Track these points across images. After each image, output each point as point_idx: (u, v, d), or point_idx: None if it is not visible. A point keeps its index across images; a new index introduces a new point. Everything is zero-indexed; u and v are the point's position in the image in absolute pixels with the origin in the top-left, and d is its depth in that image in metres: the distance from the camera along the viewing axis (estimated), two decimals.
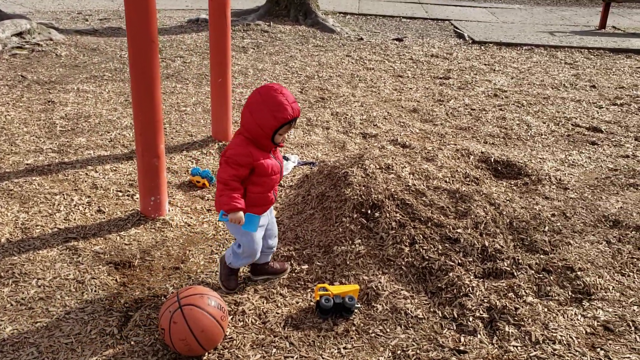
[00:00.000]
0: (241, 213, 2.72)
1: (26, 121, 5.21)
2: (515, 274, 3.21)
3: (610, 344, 2.81)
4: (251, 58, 8.22)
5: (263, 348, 2.70)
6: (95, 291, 3.02)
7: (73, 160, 4.49)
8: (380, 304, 3.00)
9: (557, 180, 4.55)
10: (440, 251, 3.28)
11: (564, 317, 2.96)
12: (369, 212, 3.47)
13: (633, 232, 3.75)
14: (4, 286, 3.00)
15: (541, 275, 3.23)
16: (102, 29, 9.69)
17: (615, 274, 3.35)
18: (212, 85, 4.89)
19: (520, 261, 3.28)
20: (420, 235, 3.33)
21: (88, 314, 2.85)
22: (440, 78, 7.76)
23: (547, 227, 3.69)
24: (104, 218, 3.72)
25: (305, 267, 3.27)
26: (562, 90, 7.35)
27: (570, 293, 3.14)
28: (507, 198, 4.04)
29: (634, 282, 3.29)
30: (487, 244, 3.35)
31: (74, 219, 3.67)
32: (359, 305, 2.99)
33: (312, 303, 3.01)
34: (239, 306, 2.97)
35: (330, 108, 6.21)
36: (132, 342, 2.68)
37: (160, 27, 10.28)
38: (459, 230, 3.40)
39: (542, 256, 3.37)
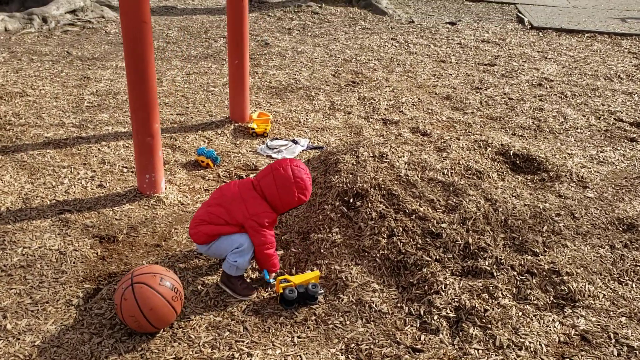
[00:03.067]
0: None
1: (58, 96, 5.46)
2: (495, 274, 3.06)
3: (582, 355, 2.64)
4: (294, 40, 8.20)
5: (217, 330, 2.73)
6: (74, 263, 3.14)
7: (90, 136, 4.67)
8: (346, 295, 2.95)
9: (578, 178, 4.28)
10: (419, 245, 3.17)
11: (539, 323, 2.81)
12: (351, 200, 3.40)
13: None
14: None
15: (524, 277, 3.06)
16: (158, 7, 9.95)
17: (611, 282, 3.13)
18: (230, 66, 4.93)
19: (502, 261, 3.12)
20: (400, 228, 3.23)
21: (61, 284, 2.97)
22: (485, 64, 7.45)
23: (545, 227, 3.49)
24: (103, 193, 3.85)
25: (280, 252, 3.25)
26: (616, 82, 6.88)
27: (552, 298, 2.97)
28: (513, 194, 3.85)
29: (630, 292, 3.07)
30: (470, 240, 3.21)
31: (74, 192, 3.82)
32: (323, 292, 2.95)
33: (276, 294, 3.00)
34: (205, 287, 3.00)
35: (358, 92, 6.11)
36: (93, 314, 2.77)
37: (215, 6, 10.44)
38: (443, 225, 3.27)
39: (529, 257, 3.19)
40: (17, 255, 3.16)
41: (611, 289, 3.08)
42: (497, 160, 4.40)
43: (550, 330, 2.77)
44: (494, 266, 3.10)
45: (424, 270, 3.04)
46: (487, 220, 3.41)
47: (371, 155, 3.72)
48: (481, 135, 4.95)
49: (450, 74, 6.97)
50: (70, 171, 4.08)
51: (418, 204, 3.43)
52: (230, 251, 2.89)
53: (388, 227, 3.24)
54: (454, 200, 3.49)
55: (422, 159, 3.83)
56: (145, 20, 3.35)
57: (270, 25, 9.01)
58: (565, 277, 3.05)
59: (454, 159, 4.04)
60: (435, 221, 3.30)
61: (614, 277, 3.17)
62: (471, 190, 3.58)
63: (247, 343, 2.65)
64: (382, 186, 3.46)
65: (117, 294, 2.61)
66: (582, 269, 3.17)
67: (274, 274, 3.02)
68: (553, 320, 2.84)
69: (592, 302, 2.96)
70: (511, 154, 4.48)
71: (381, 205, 3.36)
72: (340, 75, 6.70)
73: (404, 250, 3.14)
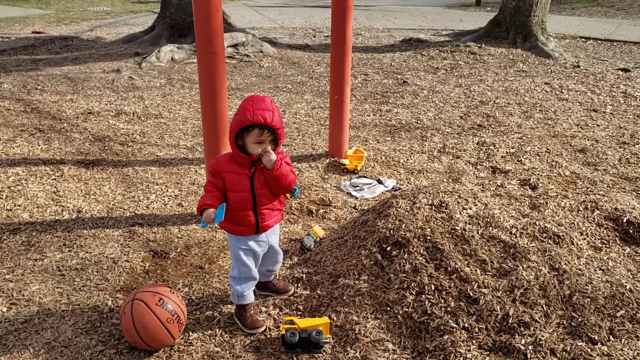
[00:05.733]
0: (210, 210, 2.61)
1: (187, 120, 5.96)
2: (528, 356, 2.62)
3: None
4: (436, 80, 7.99)
5: None
6: (119, 273, 3.37)
7: (195, 158, 5.01)
8: (354, 350, 2.74)
9: None
10: (449, 309, 2.84)
11: None
12: (389, 248, 3.17)
13: None
14: (60, 252, 3.54)
15: None
16: (315, 44, 10.40)
17: None
18: (330, 102, 4.95)
19: (542, 343, 2.66)
20: (433, 286, 2.93)
21: (99, 290, 3.20)
22: None
23: (622, 312, 2.90)
24: (179, 211, 4.09)
25: (305, 293, 3.15)
26: None
27: None
28: (602, 266, 3.28)
29: None
30: (512, 312, 2.79)
31: (154, 208, 4.11)
32: (328, 340, 2.78)
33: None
34: (221, 315, 3.01)
35: (480, 137, 5.73)
36: (110, 323, 2.93)
37: (374, 45, 10.62)
38: (484, 290, 2.90)
39: (580, 344, 2.67)
40: (77, 258, 3.48)
41: None
42: (604, 226, 3.79)
43: None
44: (530, 347, 2.65)
45: (445, 337, 2.71)
46: (544, 293, 2.94)
47: (429, 203, 3.45)
48: (603, 196, 4.31)
49: (598, 125, 6.21)
50: (161, 188, 4.41)
51: (465, 262, 3.08)
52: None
53: (419, 283, 2.96)
54: (510, 264, 3.07)
55: (491, 214, 3.44)
56: (215, 52, 3.53)
57: (419, 64, 8.90)
58: None
59: (537, 218, 3.57)
60: (476, 284, 2.94)
61: None
62: (534, 256, 3.12)
63: None
64: (429, 238, 3.18)
65: (121, 308, 2.73)
66: None
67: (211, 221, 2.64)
68: None
69: None
70: (624, 220, 3.82)
71: (421, 258, 3.08)
72: (468, 117, 6.35)
73: (429, 312, 2.84)
